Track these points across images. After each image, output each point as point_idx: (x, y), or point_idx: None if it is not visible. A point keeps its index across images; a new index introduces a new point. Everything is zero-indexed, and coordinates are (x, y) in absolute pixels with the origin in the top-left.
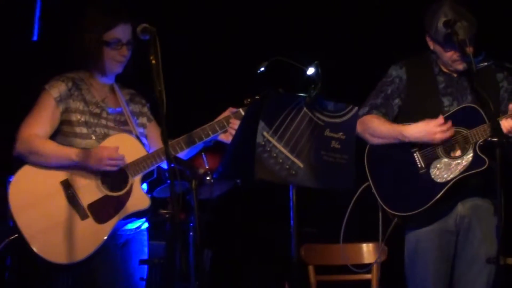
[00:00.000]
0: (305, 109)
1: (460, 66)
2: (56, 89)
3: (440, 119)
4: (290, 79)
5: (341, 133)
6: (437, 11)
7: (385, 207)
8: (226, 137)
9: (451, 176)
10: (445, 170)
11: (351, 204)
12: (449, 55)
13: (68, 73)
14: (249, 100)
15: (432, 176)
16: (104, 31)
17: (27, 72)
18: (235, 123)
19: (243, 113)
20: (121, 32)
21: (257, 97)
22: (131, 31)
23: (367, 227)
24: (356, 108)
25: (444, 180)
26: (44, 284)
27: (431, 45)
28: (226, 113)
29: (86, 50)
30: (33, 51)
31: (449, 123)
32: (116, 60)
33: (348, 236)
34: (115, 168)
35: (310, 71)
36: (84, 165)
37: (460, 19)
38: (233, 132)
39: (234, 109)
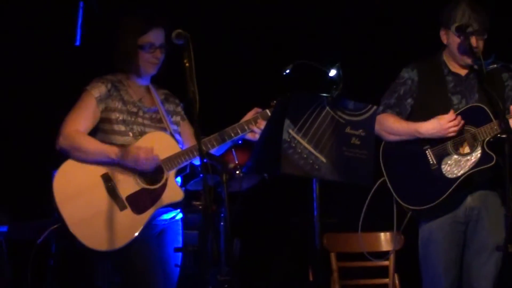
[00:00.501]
0: (327, 108)
1: (470, 61)
2: (97, 90)
3: (451, 114)
4: (313, 80)
5: (360, 130)
6: (457, 7)
7: (400, 201)
8: (253, 136)
9: (461, 172)
10: (456, 166)
11: (369, 196)
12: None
13: (107, 75)
14: (275, 101)
15: (444, 172)
16: (138, 36)
17: (70, 74)
18: (262, 123)
19: (269, 113)
20: (154, 36)
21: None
22: (164, 36)
23: (384, 218)
24: (375, 107)
25: (454, 176)
26: (85, 269)
27: (445, 39)
28: (253, 113)
29: (123, 53)
30: (75, 55)
31: (459, 118)
32: (150, 62)
33: (366, 226)
34: (150, 168)
35: (332, 72)
36: (122, 163)
37: (474, 15)
38: (259, 131)
39: (260, 109)
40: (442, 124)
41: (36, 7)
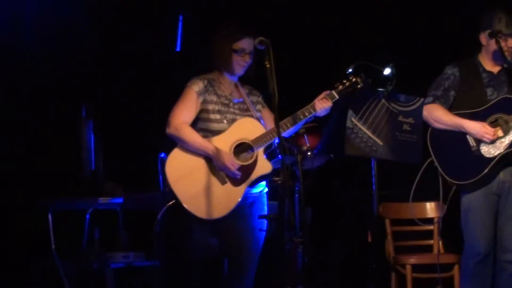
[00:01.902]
0: (383, 100)
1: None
2: (196, 85)
3: (491, 130)
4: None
5: (410, 118)
6: (494, 14)
7: (446, 177)
8: (319, 110)
9: (498, 152)
10: (492, 148)
11: (420, 173)
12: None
13: (203, 74)
14: (339, 84)
15: (482, 152)
16: (234, 42)
17: (173, 73)
18: (327, 103)
19: (335, 95)
20: (246, 43)
21: (347, 82)
22: (253, 44)
23: (430, 190)
24: (422, 99)
25: (491, 155)
26: (190, 233)
27: (484, 40)
28: (322, 95)
29: (219, 55)
30: (177, 58)
31: (494, 132)
32: (239, 64)
33: (416, 197)
34: (228, 172)
35: (387, 71)
36: (214, 160)
37: (507, 19)
38: (323, 110)
39: (328, 92)
40: (484, 130)
41: (146, 20)
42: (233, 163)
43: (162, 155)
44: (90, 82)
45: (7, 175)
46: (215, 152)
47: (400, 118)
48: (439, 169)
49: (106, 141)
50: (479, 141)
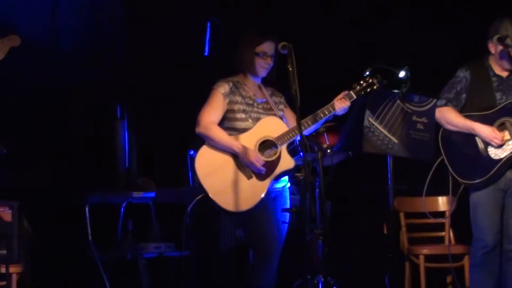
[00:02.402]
0: (398, 101)
1: None
2: (223, 88)
3: (500, 135)
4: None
5: (424, 118)
6: (501, 22)
7: (455, 176)
8: (338, 110)
9: (504, 154)
10: (499, 150)
11: (431, 170)
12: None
13: (229, 77)
14: (356, 84)
15: (490, 154)
16: (256, 45)
17: (202, 76)
18: (346, 102)
19: (353, 95)
20: (268, 47)
21: (365, 82)
22: (274, 48)
23: (441, 186)
24: (435, 100)
25: (498, 157)
26: (218, 225)
27: (493, 48)
28: (340, 95)
29: (243, 59)
30: (205, 62)
31: (502, 137)
32: (262, 67)
33: (429, 191)
34: (253, 169)
35: (402, 74)
36: (241, 157)
37: None
38: (342, 109)
39: (346, 92)
40: (493, 134)
41: (176, 26)
42: (258, 160)
43: (191, 152)
44: (124, 86)
45: (49, 172)
46: (242, 150)
47: (414, 118)
48: (449, 168)
49: (139, 140)
50: (487, 143)
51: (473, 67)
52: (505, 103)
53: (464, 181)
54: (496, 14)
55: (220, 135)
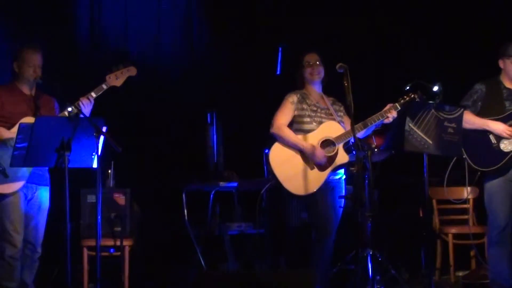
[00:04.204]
0: (433, 110)
1: None
2: (291, 98)
3: (510, 129)
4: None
5: (453, 124)
6: (509, 43)
7: (472, 164)
8: (388, 120)
9: None
10: (509, 145)
11: (451, 163)
12: None
13: (297, 90)
14: (401, 99)
15: (501, 148)
16: (302, 58)
17: (275, 90)
18: (393, 112)
19: (398, 106)
20: (309, 57)
21: (407, 96)
22: (316, 58)
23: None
24: (463, 109)
25: (508, 150)
26: (287, 208)
27: (502, 64)
28: (388, 107)
29: (297, 72)
30: (278, 80)
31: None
32: (310, 73)
33: (456, 182)
34: (317, 162)
35: (435, 88)
36: (309, 154)
37: None
38: (391, 118)
39: (391, 104)
40: (504, 127)
41: (255, 50)
42: (322, 158)
43: (266, 151)
44: (214, 97)
45: (155, 166)
46: (308, 146)
47: (446, 123)
48: (467, 159)
49: (225, 141)
50: (499, 139)
51: (487, 81)
52: None
53: (480, 168)
54: (504, 38)
55: (291, 135)
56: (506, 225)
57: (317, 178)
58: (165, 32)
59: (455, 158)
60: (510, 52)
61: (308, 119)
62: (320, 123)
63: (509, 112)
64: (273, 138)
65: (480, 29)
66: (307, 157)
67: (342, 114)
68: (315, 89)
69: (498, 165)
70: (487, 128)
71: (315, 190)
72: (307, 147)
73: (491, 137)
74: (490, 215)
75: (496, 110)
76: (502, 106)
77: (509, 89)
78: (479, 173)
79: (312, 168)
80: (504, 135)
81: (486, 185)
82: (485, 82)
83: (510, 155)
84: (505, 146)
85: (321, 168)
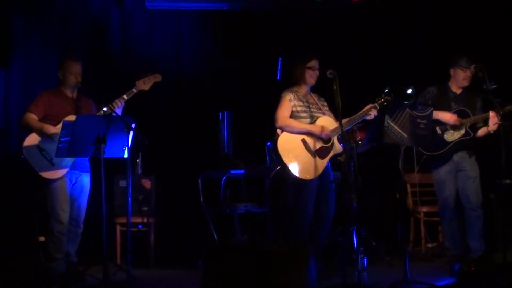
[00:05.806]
0: (407, 109)
1: (466, 83)
2: (288, 96)
3: (455, 116)
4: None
5: (424, 121)
6: (458, 57)
7: (421, 150)
8: (370, 118)
9: (453, 138)
10: (451, 136)
11: (401, 152)
12: (463, 76)
13: (290, 88)
14: (379, 99)
15: (445, 138)
16: (307, 62)
17: (276, 90)
18: (374, 111)
19: (377, 106)
20: (315, 62)
21: (384, 97)
22: (318, 63)
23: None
24: (432, 108)
25: (450, 140)
26: (295, 189)
27: (453, 72)
28: (368, 106)
29: (297, 73)
30: (278, 83)
31: (458, 118)
32: (312, 77)
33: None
34: (326, 137)
35: (409, 91)
36: (315, 134)
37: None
38: (373, 115)
39: (372, 104)
40: (450, 117)
41: (258, 58)
42: (330, 134)
43: (268, 143)
44: (224, 97)
45: (175, 156)
46: (319, 128)
47: (418, 120)
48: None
49: (234, 135)
50: (443, 131)
51: (438, 85)
52: (457, 109)
53: (426, 153)
54: (454, 49)
55: (298, 123)
56: (454, 205)
57: (318, 165)
58: (185, 51)
59: (404, 146)
60: (461, 63)
61: (304, 114)
62: (313, 117)
63: (454, 110)
64: (274, 133)
65: (450, 38)
66: (314, 140)
67: (327, 108)
68: (306, 88)
69: (441, 151)
70: (437, 117)
71: (318, 175)
72: (316, 127)
73: (437, 128)
74: (440, 199)
75: (444, 109)
76: (449, 106)
77: (455, 93)
78: (424, 156)
79: (314, 156)
80: (451, 121)
81: (433, 173)
82: (436, 85)
83: (450, 144)
84: (447, 137)
85: (321, 156)
